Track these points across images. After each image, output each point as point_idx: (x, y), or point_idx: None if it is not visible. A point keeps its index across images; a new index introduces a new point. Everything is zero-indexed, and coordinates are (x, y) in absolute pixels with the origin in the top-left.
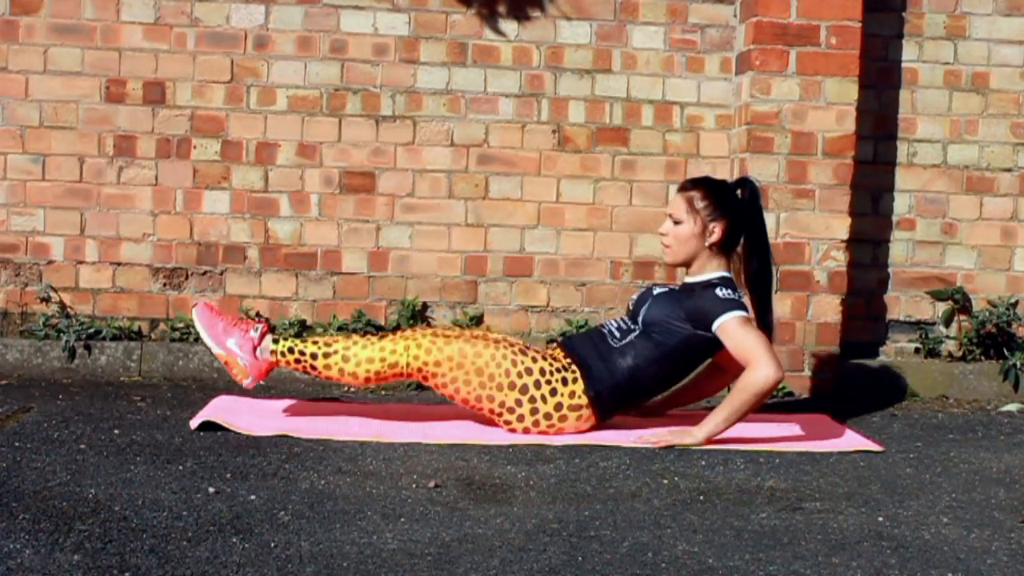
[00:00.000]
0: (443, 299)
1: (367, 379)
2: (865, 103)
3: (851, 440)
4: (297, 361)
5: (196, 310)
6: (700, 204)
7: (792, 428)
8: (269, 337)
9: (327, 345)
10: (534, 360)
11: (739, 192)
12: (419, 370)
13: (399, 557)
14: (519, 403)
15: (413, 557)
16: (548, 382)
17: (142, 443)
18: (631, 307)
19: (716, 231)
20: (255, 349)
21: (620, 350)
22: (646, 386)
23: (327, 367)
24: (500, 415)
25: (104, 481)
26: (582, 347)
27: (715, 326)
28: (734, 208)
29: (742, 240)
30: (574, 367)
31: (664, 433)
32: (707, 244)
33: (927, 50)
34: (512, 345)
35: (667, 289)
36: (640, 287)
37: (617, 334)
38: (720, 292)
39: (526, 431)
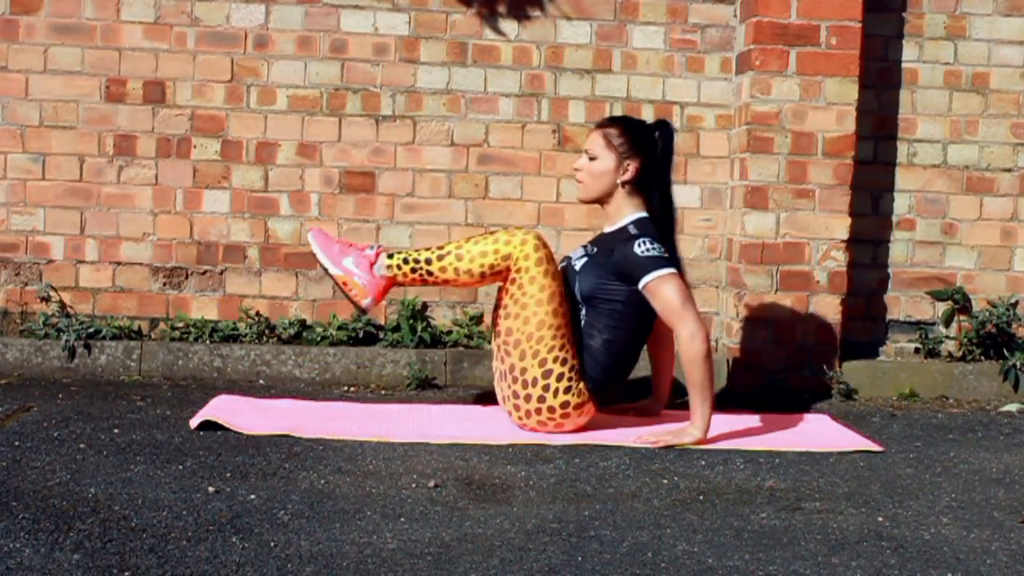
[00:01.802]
0: (443, 299)
1: (482, 274)
2: (865, 103)
3: (851, 440)
4: (414, 270)
5: (311, 234)
6: (617, 141)
7: (792, 428)
8: (384, 255)
9: (439, 249)
10: (574, 356)
11: (656, 134)
12: (525, 268)
13: (399, 557)
14: (535, 382)
15: (413, 557)
16: (569, 379)
17: (142, 442)
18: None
19: (631, 168)
20: (372, 266)
21: (585, 333)
22: (624, 354)
23: (442, 269)
24: (515, 379)
25: (104, 480)
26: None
27: (641, 287)
28: (650, 147)
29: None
30: (580, 367)
31: (663, 433)
32: (620, 180)
33: (927, 50)
34: (567, 334)
35: (585, 256)
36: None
37: (582, 320)
38: (639, 248)
39: (527, 414)
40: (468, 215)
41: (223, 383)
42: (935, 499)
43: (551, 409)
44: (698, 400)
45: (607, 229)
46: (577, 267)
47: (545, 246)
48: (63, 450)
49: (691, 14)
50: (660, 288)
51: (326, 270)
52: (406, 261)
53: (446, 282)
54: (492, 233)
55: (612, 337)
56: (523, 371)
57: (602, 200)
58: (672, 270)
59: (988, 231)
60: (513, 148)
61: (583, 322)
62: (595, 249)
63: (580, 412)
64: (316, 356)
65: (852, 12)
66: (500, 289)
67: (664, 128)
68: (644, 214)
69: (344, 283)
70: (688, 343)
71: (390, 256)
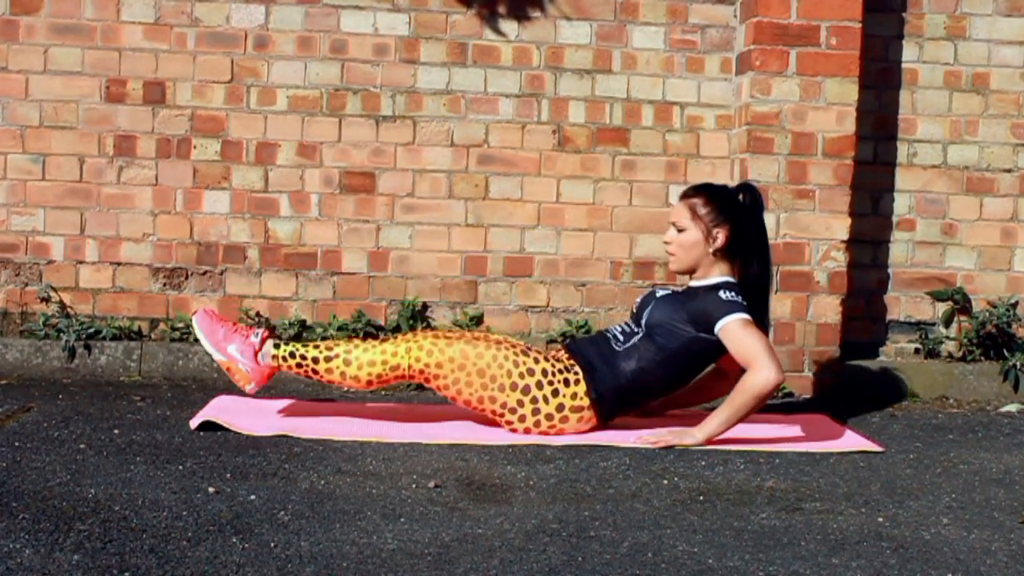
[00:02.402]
0: (443, 299)
1: (369, 382)
2: (865, 104)
3: (851, 440)
4: (299, 366)
5: (196, 317)
6: (703, 211)
7: (792, 428)
8: (270, 342)
9: (328, 349)
10: (536, 361)
11: (741, 197)
12: (421, 372)
13: (399, 557)
14: (521, 403)
15: (413, 557)
16: (550, 383)
17: (142, 443)
18: (634, 310)
19: (720, 237)
20: (256, 354)
21: (623, 353)
22: (649, 389)
23: (328, 371)
24: (502, 416)
25: (104, 481)
26: (586, 349)
27: (717, 328)
28: (737, 213)
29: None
30: (577, 368)
31: (664, 433)
32: (711, 251)
33: (927, 50)
34: (514, 346)
35: (670, 292)
36: (644, 289)
37: (621, 338)
38: (723, 294)
39: (527, 431)
40: (468, 215)
41: (223, 384)
42: (935, 499)
43: (549, 416)
44: (724, 416)
45: (693, 283)
46: (658, 295)
47: (437, 337)
48: (63, 450)
49: (691, 14)
50: (739, 329)
51: (211, 355)
52: (292, 355)
53: (331, 382)
54: (383, 341)
55: (647, 369)
56: (502, 405)
57: (693, 271)
58: (750, 316)
59: (988, 231)
60: (513, 148)
61: (628, 343)
62: (681, 290)
63: (580, 418)
64: None
65: (852, 12)
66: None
67: (749, 191)
68: (732, 278)
69: (228, 368)
70: (761, 378)
71: (276, 346)
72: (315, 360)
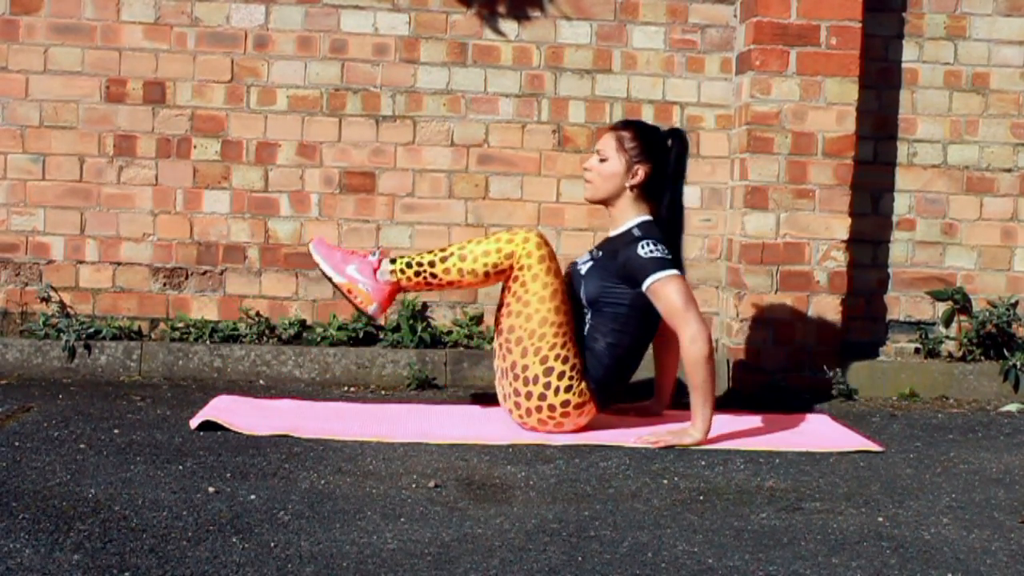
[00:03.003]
0: (443, 299)
1: (486, 273)
2: (865, 103)
3: (851, 440)
4: (417, 274)
5: (313, 244)
6: (629, 144)
7: (792, 428)
8: (386, 260)
9: (442, 251)
10: (576, 355)
11: (669, 142)
12: (527, 266)
13: (399, 557)
14: (536, 380)
15: (413, 557)
16: (571, 378)
17: (142, 443)
18: (571, 293)
19: (640, 172)
20: (375, 272)
21: (589, 337)
22: (628, 357)
23: (446, 271)
24: (516, 377)
25: (104, 481)
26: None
27: (644, 288)
28: (661, 154)
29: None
30: (582, 367)
31: (663, 433)
32: (628, 184)
33: (927, 50)
34: (569, 332)
35: (591, 261)
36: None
37: (586, 325)
38: (643, 251)
39: (527, 412)
40: (468, 215)
41: (223, 383)
42: (935, 499)
43: (551, 408)
44: (699, 401)
45: (611, 233)
46: (583, 271)
47: (547, 244)
48: (63, 450)
49: (691, 14)
50: (663, 289)
51: (330, 279)
52: (409, 265)
53: (450, 284)
54: (494, 233)
55: (616, 340)
56: (524, 368)
57: (608, 202)
58: (675, 272)
59: (988, 231)
60: (513, 148)
61: (588, 326)
62: (600, 253)
63: (580, 412)
64: (316, 356)
65: (852, 12)
66: (503, 288)
67: (677, 136)
68: (648, 217)
69: (349, 291)
70: (690, 345)
71: (392, 261)
72: (431, 264)
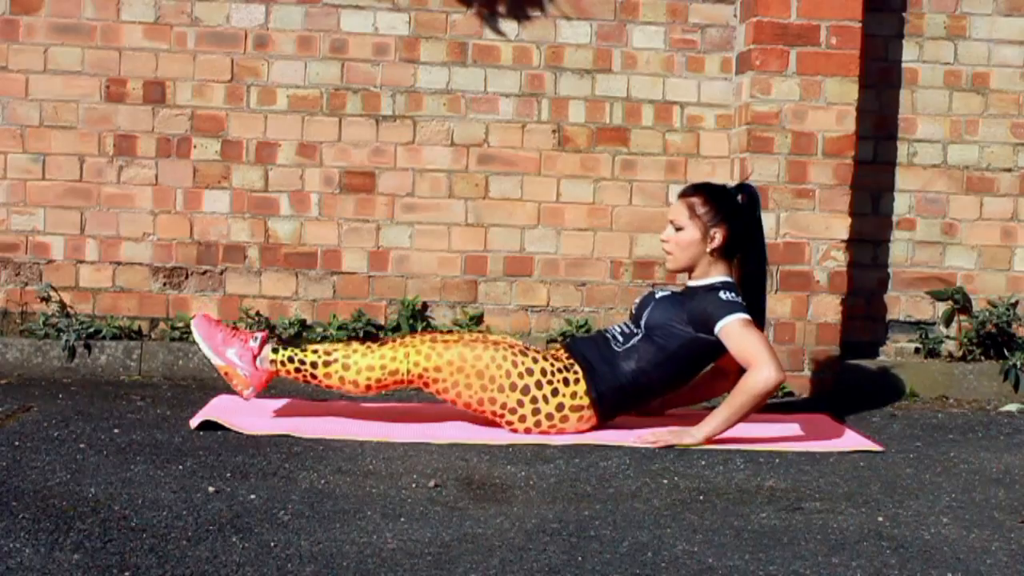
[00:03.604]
0: (443, 299)
1: (367, 387)
2: (865, 103)
3: (851, 440)
4: (297, 371)
5: (194, 322)
6: (701, 210)
7: (792, 428)
8: (269, 346)
9: (327, 354)
10: (535, 361)
11: (739, 197)
12: (420, 376)
13: (399, 557)
14: (521, 403)
15: (413, 557)
16: (550, 382)
17: (142, 442)
18: (634, 311)
19: (717, 237)
20: (255, 359)
21: (623, 354)
22: (649, 389)
23: (327, 375)
24: (502, 416)
25: (104, 480)
26: (586, 349)
27: (717, 328)
28: (735, 213)
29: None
30: (576, 368)
31: (663, 433)
32: (708, 250)
33: (927, 50)
34: (512, 347)
35: (669, 292)
36: (644, 289)
37: (620, 338)
38: (723, 295)
39: (528, 431)
40: (468, 215)
41: (223, 383)
42: (935, 499)
43: (548, 416)
44: (722, 417)
45: (691, 283)
46: (657, 296)
47: (433, 340)
48: (63, 450)
49: (691, 14)
50: (739, 329)
51: (209, 360)
52: (291, 360)
53: (330, 387)
54: (382, 344)
55: (647, 370)
56: (502, 406)
57: (690, 269)
58: (749, 316)
59: (988, 231)
60: (513, 148)
61: (629, 345)
62: (680, 290)
63: (580, 417)
64: None
65: (852, 12)
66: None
67: (747, 190)
68: (730, 279)
69: (226, 373)
70: (761, 378)
71: (275, 351)
72: (313, 365)
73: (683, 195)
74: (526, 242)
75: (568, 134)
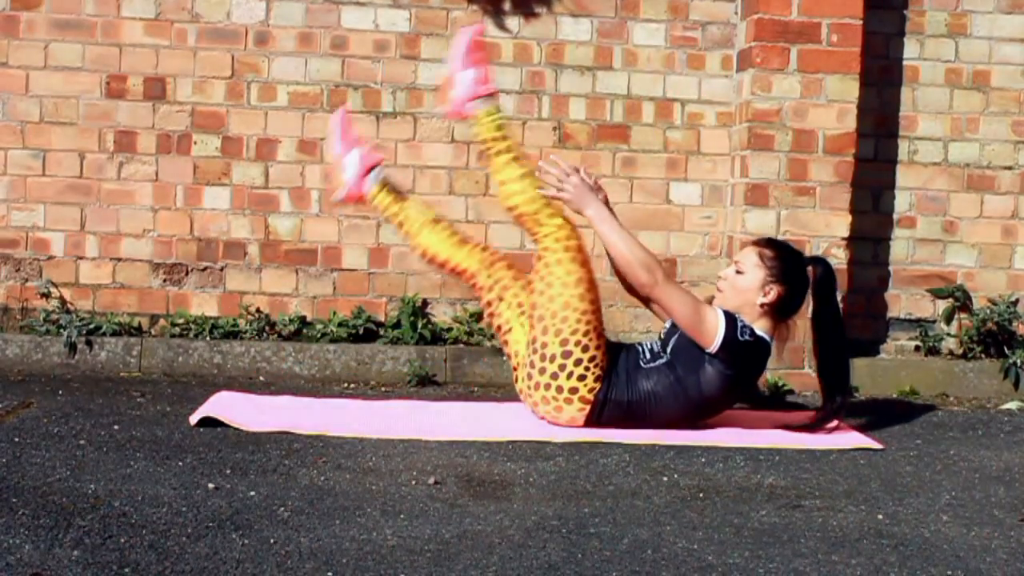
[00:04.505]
0: (443, 296)
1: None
2: (866, 101)
3: (851, 438)
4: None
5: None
6: (770, 263)
7: (792, 425)
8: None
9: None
10: (597, 347)
11: (811, 269)
12: (550, 249)
13: (398, 553)
14: (553, 358)
15: (412, 553)
16: (587, 368)
17: (142, 439)
18: (663, 335)
19: (772, 293)
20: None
21: (645, 372)
22: (653, 415)
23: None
24: (535, 351)
25: (104, 477)
26: (619, 354)
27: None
28: (798, 279)
29: (812, 321)
30: (603, 367)
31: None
32: (759, 302)
33: (928, 48)
34: (597, 313)
35: None
36: None
37: (648, 355)
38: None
39: (536, 387)
40: (469, 212)
41: (223, 380)
42: (935, 497)
43: (559, 389)
44: (615, 227)
45: None
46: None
47: (578, 238)
48: (63, 446)
49: (692, 11)
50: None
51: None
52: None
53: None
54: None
55: (660, 396)
56: (543, 345)
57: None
58: (734, 319)
59: (989, 229)
60: None
61: (652, 364)
62: None
63: (582, 410)
64: (316, 353)
65: (853, 9)
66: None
67: (820, 263)
68: (767, 336)
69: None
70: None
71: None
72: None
73: (756, 243)
74: (526, 239)
75: (569, 131)
